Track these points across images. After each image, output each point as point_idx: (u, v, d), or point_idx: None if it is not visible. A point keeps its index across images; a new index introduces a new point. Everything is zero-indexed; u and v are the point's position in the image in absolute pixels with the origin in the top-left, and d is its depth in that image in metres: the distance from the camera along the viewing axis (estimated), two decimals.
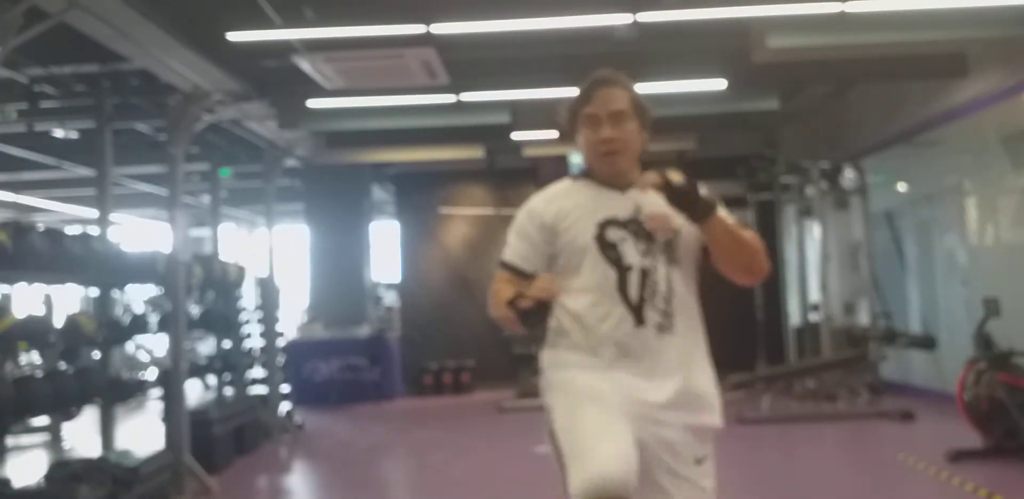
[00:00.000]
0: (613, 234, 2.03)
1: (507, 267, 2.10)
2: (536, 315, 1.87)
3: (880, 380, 8.72)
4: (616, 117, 2.06)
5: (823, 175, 8.79)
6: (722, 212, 1.99)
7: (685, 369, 2.02)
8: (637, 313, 1.99)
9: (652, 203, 2.03)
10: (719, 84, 7.30)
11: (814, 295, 8.95)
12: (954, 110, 7.53)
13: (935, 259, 8.36)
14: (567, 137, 2.21)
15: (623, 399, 1.95)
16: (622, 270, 2.00)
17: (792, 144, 10.24)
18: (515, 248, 2.11)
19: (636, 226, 2.04)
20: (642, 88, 7.26)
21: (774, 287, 9.98)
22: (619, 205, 2.06)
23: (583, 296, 2.02)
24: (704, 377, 2.07)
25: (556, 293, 1.89)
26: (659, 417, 1.96)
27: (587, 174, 2.16)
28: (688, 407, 2.00)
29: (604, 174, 2.12)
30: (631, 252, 2.02)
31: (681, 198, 1.90)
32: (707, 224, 1.94)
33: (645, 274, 2.00)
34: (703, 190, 1.95)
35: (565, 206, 2.08)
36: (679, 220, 2.03)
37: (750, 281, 2.09)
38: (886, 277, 9.27)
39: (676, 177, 1.89)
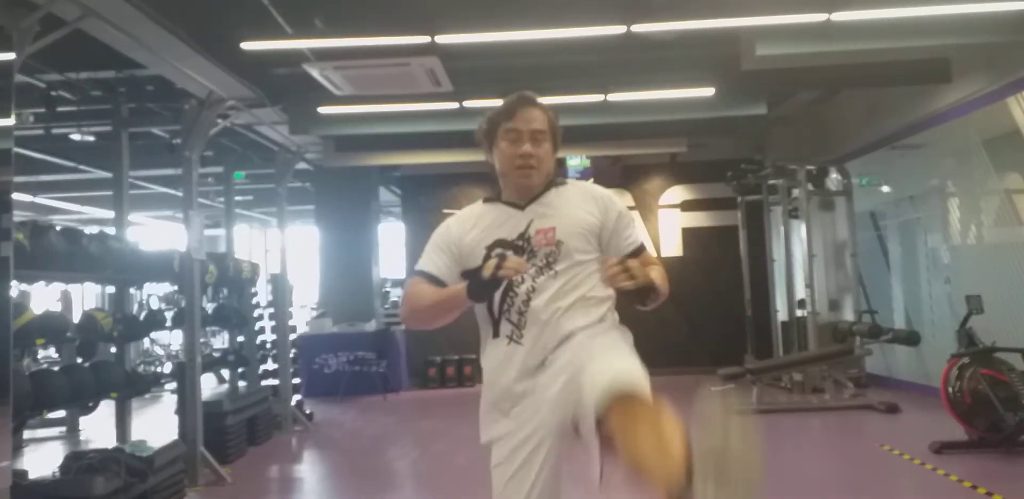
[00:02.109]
0: (497, 254, 2.03)
1: (423, 274, 2.09)
2: (492, 287, 1.91)
3: (865, 374, 8.65)
4: (536, 136, 2.08)
5: (809, 177, 8.70)
6: (628, 232, 2.09)
7: (530, 378, 1.98)
8: (495, 326, 2.03)
9: (547, 217, 2.06)
10: (708, 91, 7.26)
11: (801, 292, 8.87)
12: (937, 114, 7.44)
13: (919, 258, 8.28)
14: (480, 146, 2.19)
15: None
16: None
17: (779, 148, 10.16)
18: (432, 260, 2.11)
19: (522, 242, 2.04)
20: (636, 95, 7.11)
21: (762, 284, 9.91)
22: (513, 224, 2.07)
23: (480, 316, 2.09)
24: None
25: (524, 271, 1.92)
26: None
27: (498, 196, 2.17)
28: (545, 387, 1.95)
29: (515, 188, 2.13)
30: None
31: (639, 297, 1.90)
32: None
33: (508, 288, 2.00)
34: (649, 281, 1.91)
35: (470, 233, 2.10)
36: (563, 231, 2.04)
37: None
38: (871, 275, 9.19)
39: (638, 280, 1.85)
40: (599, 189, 2.17)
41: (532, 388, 1.97)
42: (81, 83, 6.69)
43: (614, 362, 1.80)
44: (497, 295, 2.00)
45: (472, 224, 2.13)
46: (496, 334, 2.03)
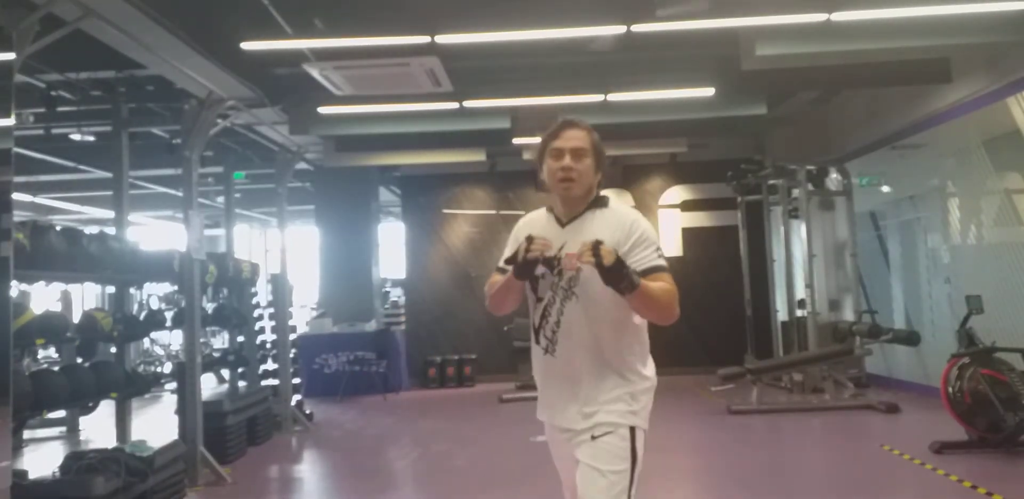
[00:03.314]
0: (538, 269, 2.24)
1: (498, 269, 2.38)
2: (531, 265, 2.17)
3: (865, 374, 8.66)
4: (577, 152, 2.27)
5: (809, 177, 8.71)
6: (638, 253, 2.20)
7: (570, 383, 2.26)
8: (536, 336, 2.32)
9: (577, 240, 2.18)
10: (708, 91, 7.26)
11: (801, 292, 8.87)
12: (938, 114, 7.45)
13: (919, 258, 8.28)
14: (536, 167, 2.42)
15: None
16: (537, 300, 2.31)
17: (779, 148, 10.18)
18: (505, 256, 2.36)
19: (556, 261, 2.20)
20: (636, 95, 7.11)
21: (762, 284, 9.92)
22: (554, 240, 2.22)
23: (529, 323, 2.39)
24: (589, 390, 2.25)
25: (547, 248, 2.15)
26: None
27: (553, 208, 2.39)
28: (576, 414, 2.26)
29: (561, 201, 2.34)
30: (544, 285, 2.28)
31: (609, 277, 2.06)
32: (628, 296, 2.11)
33: (547, 306, 2.28)
34: (627, 268, 2.07)
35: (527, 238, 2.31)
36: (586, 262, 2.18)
37: (662, 324, 2.23)
38: (871, 275, 9.20)
39: (608, 258, 2.02)
40: (631, 214, 2.31)
41: (559, 403, 2.29)
42: (81, 83, 6.69)
43: None
44: (537, 312, 2.30)
45: (533, 228, 2.34)
46: (537, 342, 2.33)
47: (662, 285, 2.15)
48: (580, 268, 2.14)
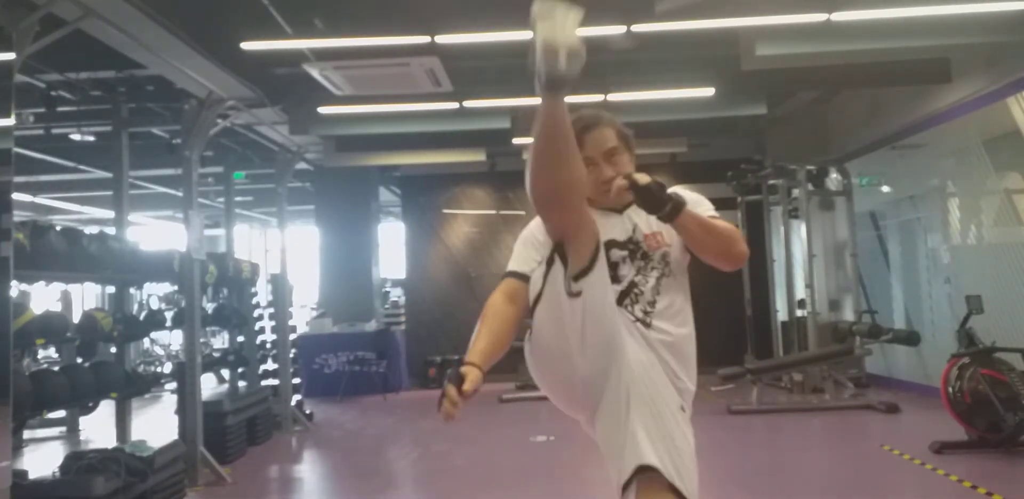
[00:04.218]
0: (615, 254, 2.06)
1: (512, 275, 2.08)
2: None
3: (865, 374, 8.66)
4: (610, 155, 2.11)
5: (809, 177, 8.71)
6: (692, 208, 2.00)
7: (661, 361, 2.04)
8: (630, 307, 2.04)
9: (646, 221, 2.08)
10: (708, 91, 7.26)
11: (801, 292, 8.88)
12: (938, 114, 7.45)
13: (919, 258, 8.28)
14: None
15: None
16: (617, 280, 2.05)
17: (779, 148, 10.16)
18: (520, 257, 2.10)
19: (634, 245, 2.08)
20: (636, 95, 7.11)
21: (762, 283, 9.91)
22: (618, 227, 2.10)
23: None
24: (684, 365, 2.07)
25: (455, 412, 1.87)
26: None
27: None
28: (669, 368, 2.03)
29: (605, 203, 2.14)
30: (628, 269, 2.06)
31: (648, 199, 1.91)
32: (677, 222, 1.95)
33: (632, 286, 2.05)
34: (670, 190, 1.95)
35: None
36: (668, 236, 2.08)
37: (731, 266, 2.08)
38: (871, 275, 9.20)
39: (643, 179, 1.90)
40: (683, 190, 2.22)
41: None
42: (81, 83, 6.70)
43: (667, 433, 1.88)
44: (620, 290, 2.03)
45: None
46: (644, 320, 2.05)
47: (724, 223, 2.05)
48: (671, 245, 2.06)
